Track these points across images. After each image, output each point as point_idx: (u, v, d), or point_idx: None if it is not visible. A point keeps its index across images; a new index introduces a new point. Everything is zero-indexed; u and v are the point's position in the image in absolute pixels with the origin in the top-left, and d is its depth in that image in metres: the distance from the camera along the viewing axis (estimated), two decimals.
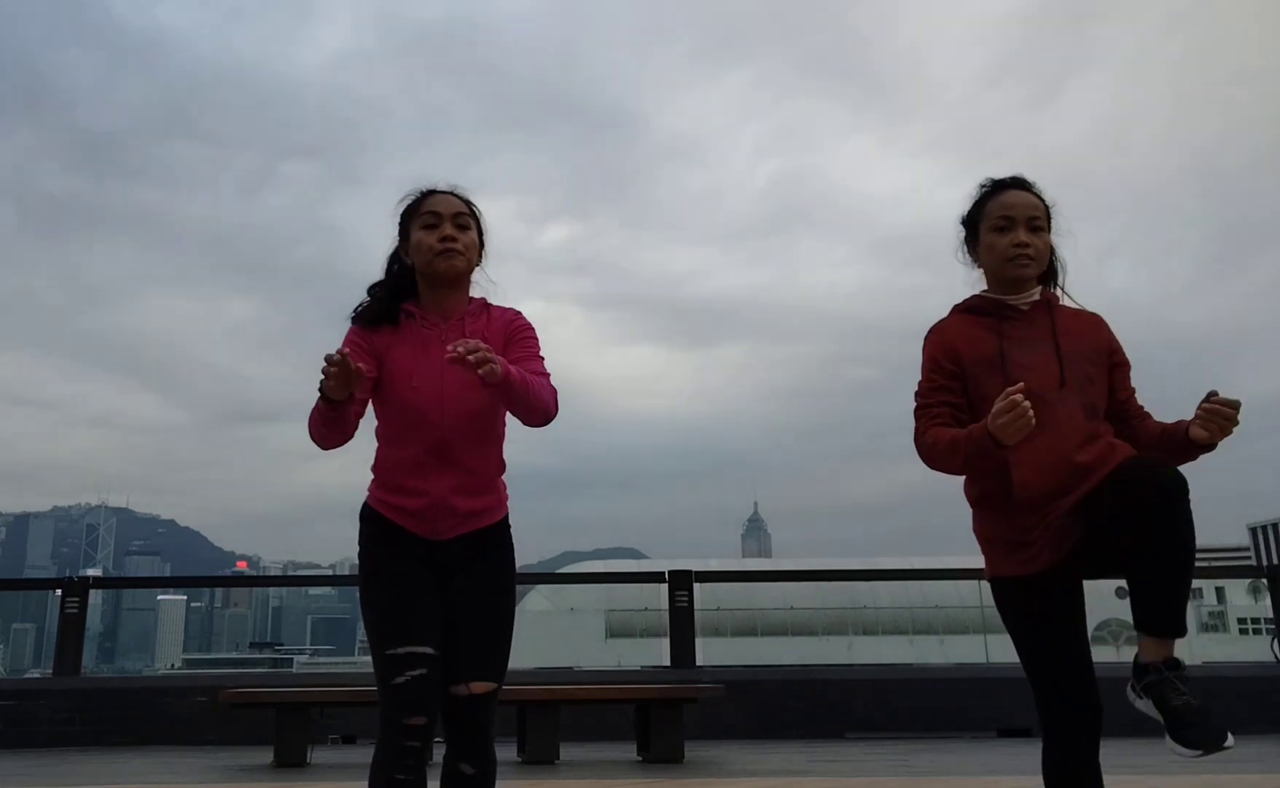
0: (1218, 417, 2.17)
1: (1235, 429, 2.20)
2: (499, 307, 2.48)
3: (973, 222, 2.47)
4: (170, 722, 7.38)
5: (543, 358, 2.42)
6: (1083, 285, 2.49)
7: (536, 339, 2.45)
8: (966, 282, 2.50)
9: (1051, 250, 2.42)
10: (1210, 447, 2.22)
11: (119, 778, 5.37)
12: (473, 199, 2.49)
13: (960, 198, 2.57)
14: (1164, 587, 2.06)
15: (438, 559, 2.34)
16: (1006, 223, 2.37)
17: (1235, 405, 2.16)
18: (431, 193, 2.46)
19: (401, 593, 2.30)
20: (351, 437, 2.33)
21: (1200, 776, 5.00)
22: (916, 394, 2.38)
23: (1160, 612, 2.06)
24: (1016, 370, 2.27)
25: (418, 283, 2.44)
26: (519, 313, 2.48)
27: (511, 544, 2.48)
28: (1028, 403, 2.06)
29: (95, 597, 10.89)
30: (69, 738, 7.23)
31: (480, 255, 2.48)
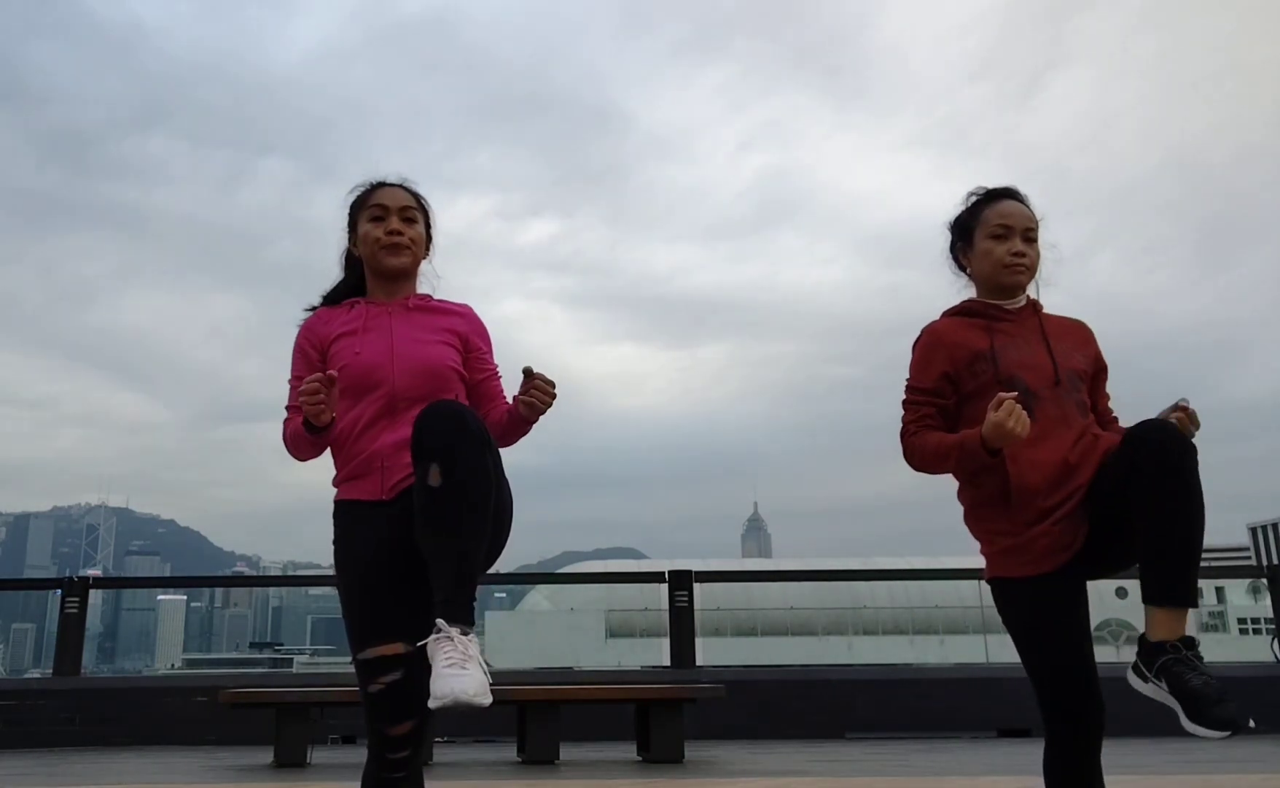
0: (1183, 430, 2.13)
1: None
2: (444, 301, 2.46)
3: (965, 227, 2.51)
4: (170, 722, 7.37)
5: (495, 366, 2.43)
6: (1065, 284, 2.54)
7: (490, 344, 2.45)
8: (954, 285, 2.55)
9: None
10: None
11: (119, 778, 5.36)
12: (421, 192, 2.49)
13: (947, 195, 2.61)
14: (1175, 552, 2.00)
15: (404, 532, 2.06)
16: (1005, 231, 2.41)
17: (1198, 423, 2.17)
18: (380, 186, 2.45)
19: (369, 584, 2.18)
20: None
21: (1200, 776, 5.00)
22: (906, 391, 2.40)
23: (1172, 579, 2.00)
24: (1010, 367, 2.30)
25: (365, 276, 2.45)
26: (472, 310, 2.45)
27: None
28: (1020, 409, 2.09)
29: (95, 597, 10.88)
30: (69, 738, 7.22)
31: (427, 249, 2.46)
